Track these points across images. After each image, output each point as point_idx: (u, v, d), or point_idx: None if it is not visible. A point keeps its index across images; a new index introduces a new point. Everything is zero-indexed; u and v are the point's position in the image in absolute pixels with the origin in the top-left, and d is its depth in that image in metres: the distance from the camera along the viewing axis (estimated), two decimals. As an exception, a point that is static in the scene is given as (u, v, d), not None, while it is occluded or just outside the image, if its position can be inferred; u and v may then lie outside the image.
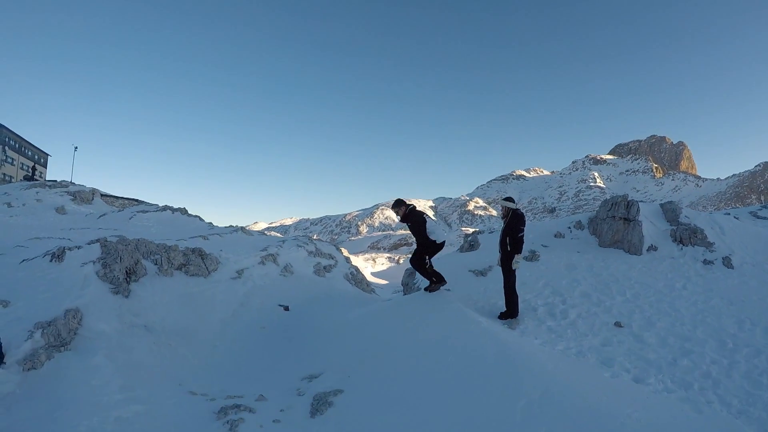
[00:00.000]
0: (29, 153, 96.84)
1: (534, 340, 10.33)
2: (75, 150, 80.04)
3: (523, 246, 11.62)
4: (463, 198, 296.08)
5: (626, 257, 16.37)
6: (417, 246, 12.10)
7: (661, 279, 14.40)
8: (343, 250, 25.35)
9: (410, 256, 12.53)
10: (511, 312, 11.67)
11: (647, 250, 16.56)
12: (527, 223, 12.00)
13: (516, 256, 11.56)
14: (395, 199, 12.39)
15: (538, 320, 11.71)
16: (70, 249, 12.13)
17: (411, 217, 11.96)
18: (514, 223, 11.70)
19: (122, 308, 10.46)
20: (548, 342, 10.46)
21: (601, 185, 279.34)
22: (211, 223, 29.45)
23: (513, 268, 11.61)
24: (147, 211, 30.44)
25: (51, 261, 11.88)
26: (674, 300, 12.83)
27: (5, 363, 7.74)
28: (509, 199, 12.22)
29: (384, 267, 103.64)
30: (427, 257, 11.91)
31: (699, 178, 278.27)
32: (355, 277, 20.80)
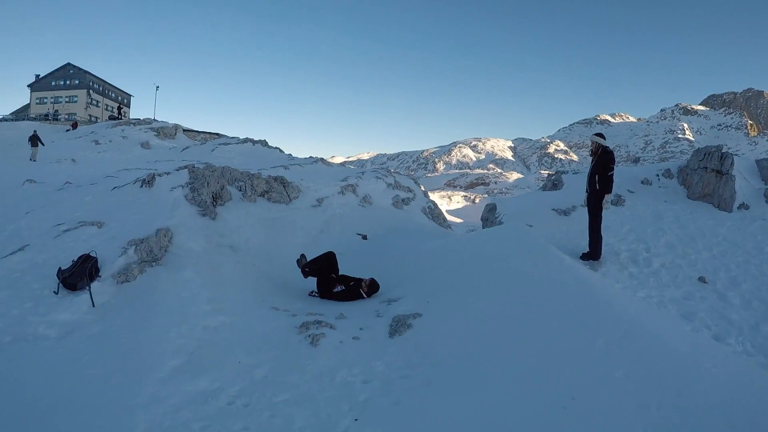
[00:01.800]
0: (113, 95, 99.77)
1: (616, 284, 10.21)
2: (157, 89, 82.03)
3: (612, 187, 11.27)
4: (543, 140, 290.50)
5: (715, 212, 15.74)
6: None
7: (750, 240, 13.71)
8: (421, 185, 25.37)
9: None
10: (593, 254, 11.52)
11: (738, 208, 15.81)
12: (617, 168, 11.57)
13: (606, 195, 11.29)
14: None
15: (621, 265, 11.59)
16: (159, 175, 12.58)
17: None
18: (604, 161, 11.39)
19: (209, 229, 10.91)
20: (629, 288, 10.38)
21: (690, 138, 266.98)
22: (290, 154, 29.72)
23: (603, 208, 11.36)
24: (228, 144, 30.94)
25: (141, 187, 12.36)
26: (762, 264, 12.24)
27: (100, 276, 8.19)
28: (600, 135, 11.82)
29: (459, 205, 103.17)
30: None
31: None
32: (433, 211, 20.77)
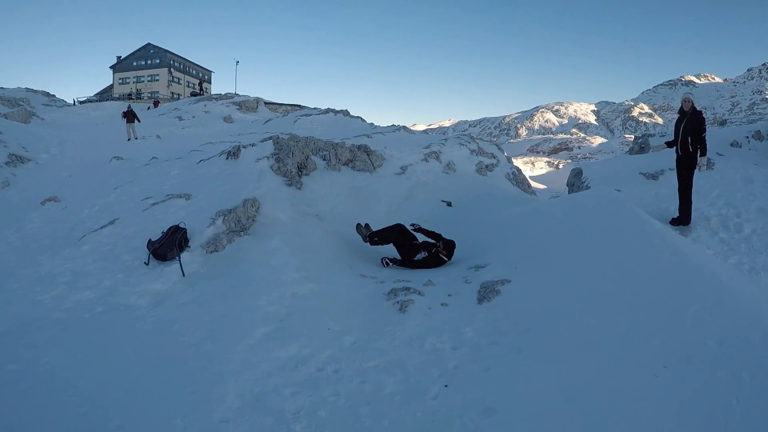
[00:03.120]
0: (193, 72, 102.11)
1: (706, 250, 9.92)
2: (237, 64, 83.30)
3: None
4: (627, 103, 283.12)
5: None
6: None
7: None
8: (504, 150, 25.13)
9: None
10: (683, 218, 11.22)
11: (832, 170, 15.22)
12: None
13: (701, 158, 10.97)
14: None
15: (711, 231, 11.26)
16: (244, 147, 12.76)
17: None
18: (697, 121, 11.02)
19: (295, 198, 11.02)
20: (720, 254, 10.12)
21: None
22: (372, 123, 29.82)
23: (698, 170, 11.09)
24: (310, 115, 31.25)
25: (227, 159, 12.56)
26: None
27: (190, 246, 8.36)
28: (692, 93, 11.39)
29: (543, 171, 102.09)
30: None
31: None
32: (517, 177, 20.53)
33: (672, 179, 11.85)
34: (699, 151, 11.00)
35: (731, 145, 17.26)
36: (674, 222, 11.30)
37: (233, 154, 12.61)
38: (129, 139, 28.44)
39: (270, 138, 13.23)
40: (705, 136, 10.98)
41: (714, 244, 10.66)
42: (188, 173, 12.76)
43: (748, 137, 17.73)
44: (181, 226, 8.65)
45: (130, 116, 29.90)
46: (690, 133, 11.03)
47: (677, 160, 11.39)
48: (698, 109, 11.28)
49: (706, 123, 11.19)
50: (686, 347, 5.09)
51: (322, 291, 7.48)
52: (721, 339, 5.11)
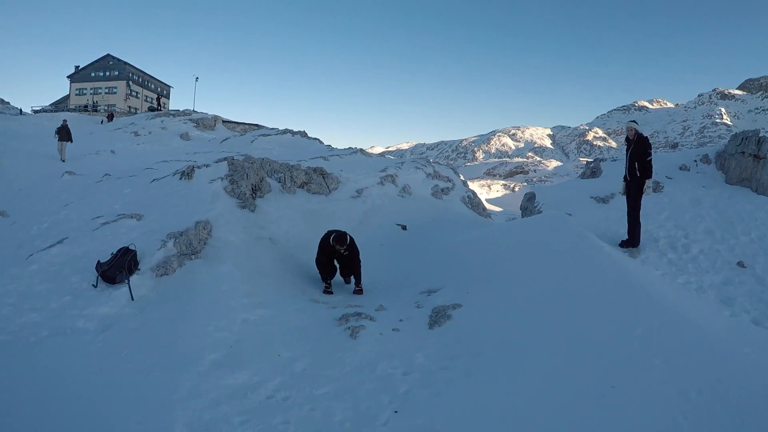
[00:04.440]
0: (152, 86, 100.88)
1: (654, 271, 10.13)
2: (196, 80, 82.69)
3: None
4: (582, 127, 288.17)
5: (753, 197, 15.48)
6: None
7: (790, 223, 13.67)
8: (460, 174, 25.31)
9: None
10: (632, 241, 11.46)
11: (776, 192, 15.71)
12: (654, 154, 11.55)
13: (647, 181, 11.20)
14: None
15: (659, 252, 11.50)
16: (198, 167, 12.66)
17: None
18: (641, 147, 11.32)
19: (248, 221, 10.94)
20: (668, 274, 10.35)
21: (728, 122, 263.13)
22: (330, 145, 29.85)
23: (644, 194, 11.30)
24: (268, 135, 31.15)
25: (181, 179, 12.45)
26: (802, 247, 12.11)
27: (140, 270, 8.24)
28: (635, 122, 11.75)
29: (499, 194, 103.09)
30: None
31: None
32: (472, 200, 20.67)
33: (622, 203, 12.11)
34: (644, 175, 11.25)
35: (680, 168, 17.74)
36: (623, 244, 11.53)
37: (187, 174, 12.49)
38: (63, 160, 25.15)
39: (225, 159, 13.12)
40: (650, 160, 11.25)
41: (662, 265, 10.88)
42: (141, 192, 12.62)
43: (696, 161, 18.23)
44: (131, 247, 8.51)
45: (63, 134, 26.44)
46: (636, 159, 11.32)
47: (626, 185, 11.65)
48: (644, 134, 11.58)
49: (652, 147, 11.51)
50: (634, 367, 5.24)
51: (273, 317, 7.43)
52: (668, 357, 5.26)
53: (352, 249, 9.92)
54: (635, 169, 11.31)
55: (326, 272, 9.85)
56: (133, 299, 7.60)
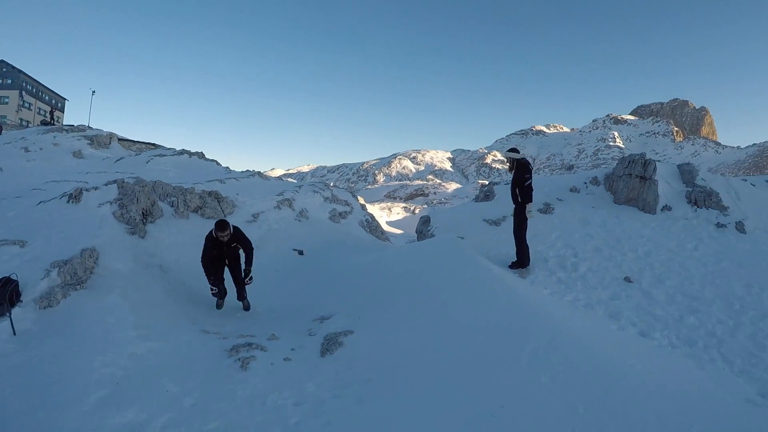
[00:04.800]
0: (47, 98, 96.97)
1: (543, 290, 10.54)
2: (93, 94, 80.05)
3: (537, 197, 11.54)
4: (481, 151, 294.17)
5: (640, 215, 16.34)
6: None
7: (673, 239, 14.33)
8: (359, 198, 25.37)
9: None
10: (521, 262, 11.78)
11: (661, 210, 16.50)
12: (544, 177, 11.97)
13: (528, 204, 11.59)
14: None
15: (549, 271, 11.88)
16: (87, 190, 12.22)
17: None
18: (519, 173, 11.73)
19: (138, 248, 10.59)
20: (557, 293, 10.67)
21: (621, 145, 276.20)
22: (228, 167, 29.49)
23: (527, 217, 11.66)
24: (164, 155, 30.49)
25: (68, 202, 12.00)
26: (685, 260, 12.80)
27: (22, 301, 7.86)
28: (513, 150, 12.21)
29: (399, 216, 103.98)
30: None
31: (719, 144, 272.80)
32: (370, 224, 20.87)
33: (512, 224, 12.37)
34: (524, 199, 11.67)
35: (570, 190, 18.57)
36: (513, 266, 11.85)
37: (75, 197, 12.03)
38: None
39: (114, 181, 12.69)
40: (528, 184, 11.64)
41: (552, 283, 11.24)
42: (26, 216, 12.04)
43: (586, 183, 19.18)
44: (12, 277, 8.06)
45: None
46: (516, 185, 11.76)
47: (514, 209, 12.02)
48: (524, 160, 11.99)
49: (532, 171, 11.93)
50: (522, 385, 5.47)
51: (162, 349, 7.24)
52: (555, 374, 5.49)
53: (239, 239, 10.04)
54: (517, 195, 11.72)
55: (211, 270, 9.77)
56: (15, 334, 7.18)
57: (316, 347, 7.62)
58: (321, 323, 8.74)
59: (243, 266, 10.28)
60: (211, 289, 9.84)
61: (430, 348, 6.87)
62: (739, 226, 14.99)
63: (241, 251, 10.25)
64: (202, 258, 9.66)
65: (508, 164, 12.23)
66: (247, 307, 10.32)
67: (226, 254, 10.00)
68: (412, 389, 5.91)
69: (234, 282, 10.28)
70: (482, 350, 6.50)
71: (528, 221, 11.64)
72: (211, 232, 9.66)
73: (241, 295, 10.33)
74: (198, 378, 6.56)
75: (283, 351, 7.52)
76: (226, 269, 10.26)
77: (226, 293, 10.24)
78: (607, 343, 7.06)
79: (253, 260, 10.30)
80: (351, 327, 8.12)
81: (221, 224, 9.59)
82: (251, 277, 10.23)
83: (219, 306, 10.11)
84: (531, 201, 11.63)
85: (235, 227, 9.96)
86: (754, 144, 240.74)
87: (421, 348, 6.94)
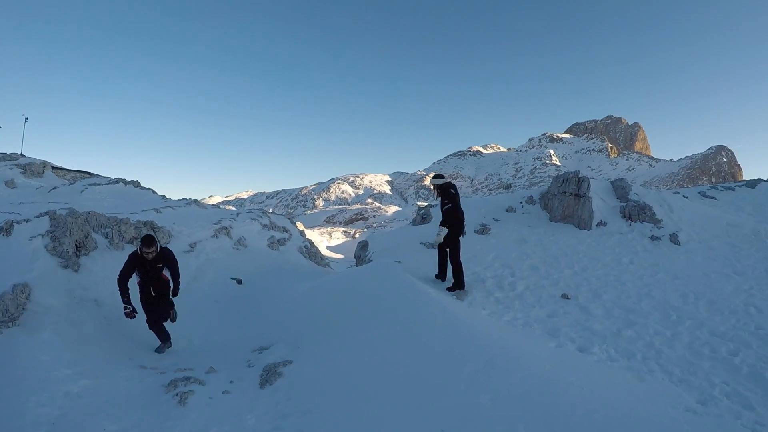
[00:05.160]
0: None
1: (481, 311, 10.62)
2: (26, 121, 77.90)
3: (474, 218, 11.74)
4: (419, 173, 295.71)
5: (576, 232, 16.71)
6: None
7: (608, 253, 14.73)
8: (299, 223, 25.28)
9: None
10: (458, 284, 11.89)
11: (596, 226, 16.93)
12: (481, 198, 12.19)
13: (440, 227, 11.94)
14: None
15: (487, 291, 11.98)
16: (18, 222, 11.91)
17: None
18: (441, 197, 12.10)
19: (72, 282, 10.34)
20: (496, 313, 10.73)
21: (557, 163, 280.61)
22: (164, 196, 29.11)
23: (437, 239, 12.07)
24: (99, 184, 29.89)
25: (-1, 235, 11.72)
26: (621, 274, 13.14)
27: (-49, 339, 7.67)
28: (438, 176, 12.48)
29: (340, 241, 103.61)
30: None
31: (653, 158, 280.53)
32: (309, 250, 20.81)
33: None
34: (442, 223, 12.01)
35: (507, 210, 19.01)
36: (451, 289, 11.93)
37: (5, 230, 11.69)
38: None
39: (47, 213, 12.41)
40: (447, 209, 11.94)
41: (490, 304, 11.33)
42: (-47, 250, 11.77)
43: (522, 202, 19.73)
44: (-61, 316, 7.91)
45: None
46: (441, 210, 12.12)
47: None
48: (446, 184, 12.24)
49: (453, 195, 12.14)
50: (462, 408, 5.55)
51: (98, 387, 7.13)
52: (495, 395, 5.59)
53: (166, 259, 9.62)
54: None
55: (126, 290, 9.23)
56: (-57, 375, 7.04)
57: (255, 379, 7.61)
58: (260, 354, 8.71)
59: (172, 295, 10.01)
60: (125, 308, 9.19)
61: (369, 375, 6.95)
62: (673, 238, 15.55)
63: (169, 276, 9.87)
64: (119, 276, 9.22)
65: (433, 188, 12.44)
66: (161, 349, 9.62)
67: (149, 275, 9.44)
68: (353, 418, 5.98)
69: (155, 321, 9.58)
70: (421, 374, 6.58)
71: (461, 242, 11.87)
72: (135, 250, 9.37)
73: (163, 336, 9.69)
74: (136, 415, 6.51)
75: (222, 384, 7.50)
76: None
77: (169, 336, 9.82)
78: (546, 361, 7.18)
79: (191, 292, 10.15)
80: (290, 357, 8.14)
81: (148, 239, 9.13)
82: (176, 292, 9.93)
83: (163, 349, 9.63)
84: (444, 225, 11.90)
85: (164, 248, 9.65)
86: (687, 156, 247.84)
87: (360, 375, 7.00)
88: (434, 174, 12.64)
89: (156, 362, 8.78)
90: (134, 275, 9.37)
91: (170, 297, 9.90)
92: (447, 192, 12.04)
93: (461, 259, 12.08)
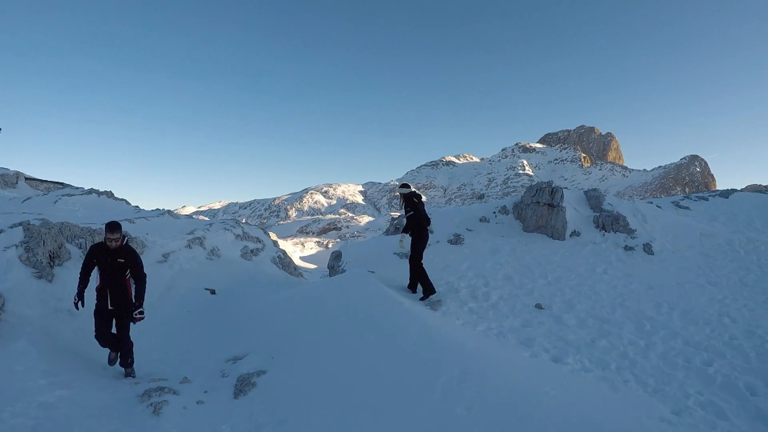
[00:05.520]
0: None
1: (455, 321, 10.66)
2: (-1, 131, 76.77)
3: (447, 228, 12.00)
4: (392, 183, 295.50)
5: (549, 242, 16.85)
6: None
7: (582, 263, 14.86)
8: (272, 234, 25.28)
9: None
10: (427, 291, 12.13)
11: (570, 236, 17.07)
12: (454, 207, 12.39)
13: (402, 234, 12.43)
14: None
15: (460, 302, 12.02)
16: (-8, 233, 11.92)
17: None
18: (405, 207, 12.50)
19: (46, 293, 10.31)
20: (470, 323, 10.76)
21: (530, 173, 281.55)
22: (137, 206, 28.95)
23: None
24: (73, 195, 29.65)
25: (-29, 246, 11.67)
26: (595, 284, 13.27)
27: None
28: (404, 186, 12.83)
29: (313, 251, 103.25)
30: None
31: (626, 168, 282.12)
32: (283, 260, 20.83)
33: (423, 256, 12.60)
34: (404, 229, 12.50)
35: (480, 220, 19.11)
36: (423, 298, 12.11)
37: (-22, 241, 11.74)
38: None
39: (20, 224, 12.38)
40: (410, 216, 12.36)
41: (464, 314, 11.37)
42: (-75, 261, 11.69)
43: (495, 212, 19.85)
44: None
45: None
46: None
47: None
48: (410, 193, 12.66)
49: (415, 204, 12.51)
50: (437, 418, 5.63)
51: (73, 397, 7.14)
52: (470, 405, 5.68)
53: (130, 256, 8.50)
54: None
55: (85, 279, 8.50)
56: None
57: (230, 389, 7.67)
58: (234, 364, 8.76)
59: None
60: (75, 298, 8.37)
61: (344, 385, 7.02)
62: (647, 248, 15.74)
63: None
64: (81, 267, 8.51)
65: (400, 198, 12.80)
66: (130, 374, 8.67)
67: (111, 270, 8.34)
68: (328, 427, 6.05)
69: (115, 343, 8.57)
70: (396, 385, 6.66)
71: (434, 251, 12.09)
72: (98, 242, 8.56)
73: (125, 361, 8.67)
74: (110, 426, 6.53)
75: (196, 394, 7.56)
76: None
77: (133, 362, 8.80)
78: (520, 371, 7.24)
79: (164, 302, 10.04)
80: (264, 367, 8.20)
81: (112, 225, 8.23)
82: (142, 311, 8.49)
83: (111, 361, 8.69)
84: (405, 231, 12.35)
85: (131, 247, 8.66)
86: (660, 166, 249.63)
87: (334, 385, 7.08)
88: (402, 183, 12.93)
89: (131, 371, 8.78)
90: (96, 275, 8.55)
91: (134, 315, 8.49)
92: (410, 200, 12.38)
93: (425, 267, 12.39)
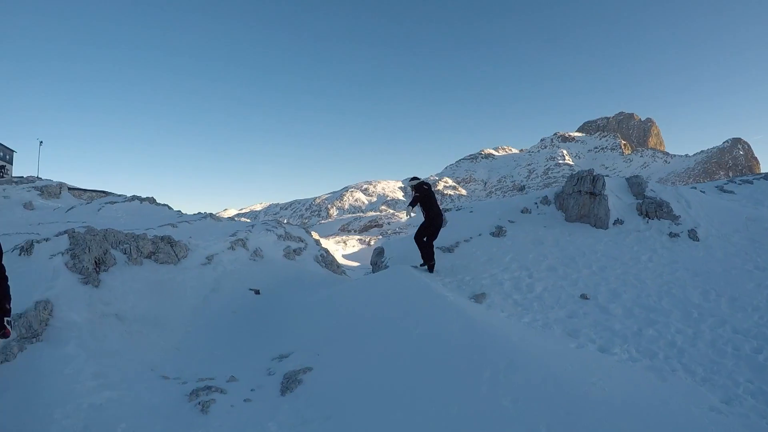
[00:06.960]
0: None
1: (500, 313, 10.56)
2: (40, 144, 78.46)
3: (489, 220, 12.33)
4: (432, 178, 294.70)
5: (592, 231, 16.57)
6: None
7: (627, 252, 14.55)
8: (314, 233, 25.38)
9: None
10: (423, 259, 13.44)
11: (613, 224, 16.74)
12: (495, 200, 12.69)
13: (408, 207, 13.65)
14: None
15: (505, 294, 11.90)
16: (38, 242, 12.09)
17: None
18: (414, 193, 13.58)
19: (92, 298, 10.43)
20: (514, 315, 10.66)
21: (570, 162, 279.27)
22: (179, 211, 29.29)
23: (407, 215, 13.92)
24: (115, 202, 30.13)
25: (20, 255, 11.86)
26: (640, 272, 12.96)
27: (-24, 357, 7.68)
28: (413, 178, 13.87)
29: (355, 249, 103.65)
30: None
31: (667, 154, 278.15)
32: (326, 259, 20.86)
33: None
34: (411, 203, 13.63)
35: (522, 212, 18.87)
36: (422, 265, 13.59)
37: (26, 249, 11.88)
38: None
39: (65, 231, 12.57)
40: (416, 197, 13.63)
41: (508, 306, 11.30)
42: (-23, 271, 11.92)
43: (536, 203, 19.57)
44: (-33, 334, 7.85)
45: None
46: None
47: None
48: (419, 184, 13.80)
49: (424, 191, 13.76)
50: (483, 410, 5.56)
51: (121, 398, 7.23)
52: (516, 397, 5.60)
53: None
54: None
55: None
56: (-28, 391, 7.16)
57: (276, 386, 7.67)
58: (280, 362, 8.76)
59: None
60: None
61: (389, 380, 6.97)
62: (692, 234, 15.33)
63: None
64: None
65: (411, 190, 13.81)
66: None
67: None
68: (373, 423, 6.00)
69: None
70: (441, 378, 6.60)
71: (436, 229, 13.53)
72: None
73: None
74: (159, 425, 6.59)
75: (243, 392, 7.57)
76: None
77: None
78: (566, 362, 7.13)
79: (210, 303, 10.13)
80: (310, 364, 8.17)
81: None
82: (10, 322, 6.46)
83: None
84: (413, 206, 13.59)
85: None
86: (702, 151, 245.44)
87: (379, 380, 7.03)
88: (411, 177, 14.05)
89: (178, 373, 8.82)
90: None
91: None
92: (420, 187, 13.49)
93: (434, 246, 13.66)
